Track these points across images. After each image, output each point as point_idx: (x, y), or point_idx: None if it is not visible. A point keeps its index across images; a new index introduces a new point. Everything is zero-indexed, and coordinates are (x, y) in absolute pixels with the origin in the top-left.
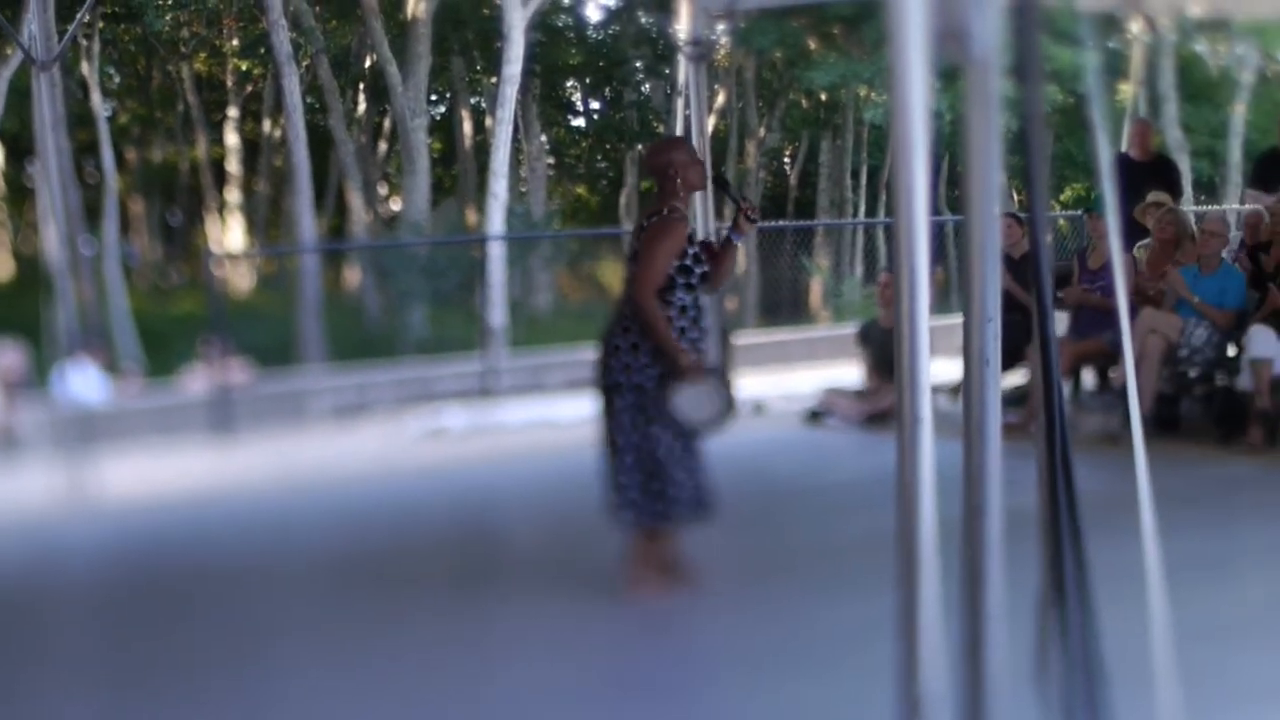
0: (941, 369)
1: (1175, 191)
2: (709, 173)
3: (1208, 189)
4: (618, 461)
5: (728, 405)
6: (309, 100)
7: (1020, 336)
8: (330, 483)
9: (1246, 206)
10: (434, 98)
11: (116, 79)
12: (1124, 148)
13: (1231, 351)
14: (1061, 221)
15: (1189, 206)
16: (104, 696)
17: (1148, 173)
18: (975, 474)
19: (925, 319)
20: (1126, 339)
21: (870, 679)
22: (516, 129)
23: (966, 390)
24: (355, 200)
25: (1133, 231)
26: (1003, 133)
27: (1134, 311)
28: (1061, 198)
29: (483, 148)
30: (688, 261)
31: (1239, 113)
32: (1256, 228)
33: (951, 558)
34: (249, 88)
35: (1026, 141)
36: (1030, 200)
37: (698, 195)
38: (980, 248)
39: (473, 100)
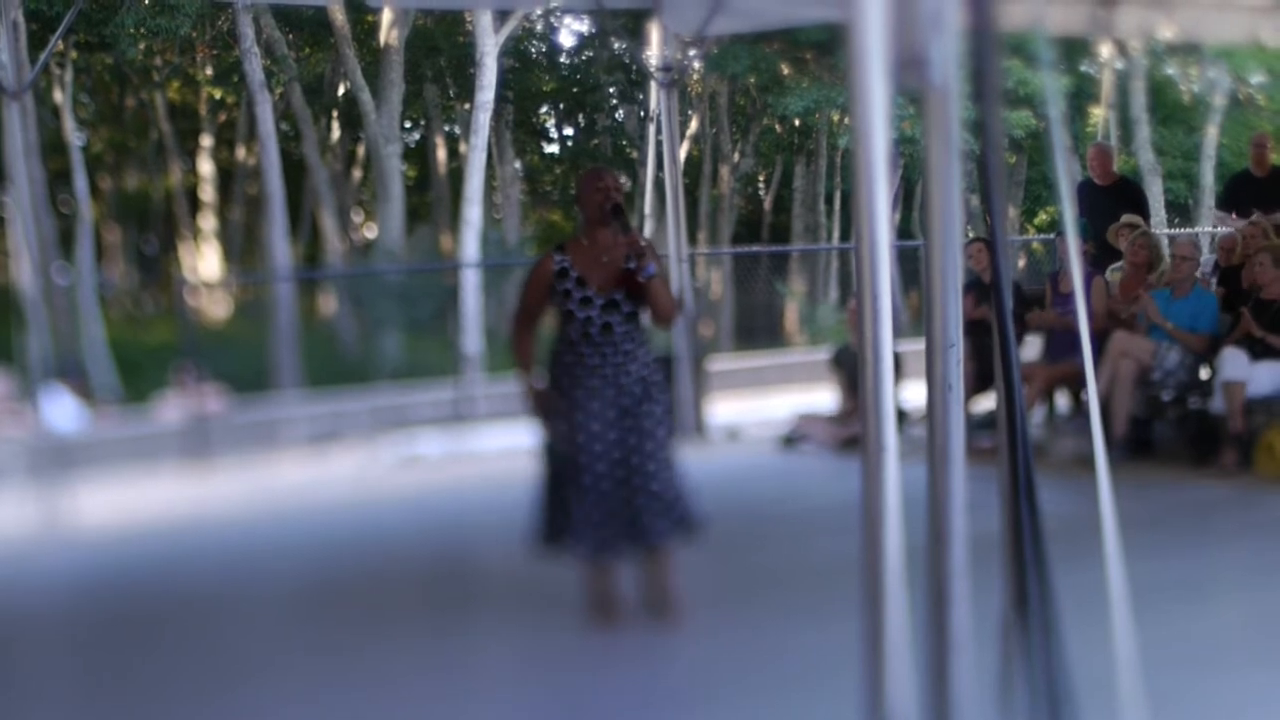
0: (919, 393)
1: (1141, 214)
2: (611, 202)
3: (1181, 211)
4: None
5: (562, 443)
6: (283, 128)
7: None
8: (305, 510)
9: (1219, 229)
10: (408, 125)
11: (90, 107)
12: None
13: (1204, 374)
14: (1035, 245)
15: (1161, 229)
16: None
17: (1111, 197)
18: (940, 499)
19: (889, 345)
20: (1089, 361)
21: (838, 703)
22: (490, 155)
23: (930, 415)
24: (329, 227)
25: (1105, 254)
26: (974, 157)
27: (1106, 335)
28: (1036, 221)
29: (457, 174)
30: (556, 299)
31: (1211, 136)
32: (1230, 250)
33: (919, 582)
34: (223, 116)
35: (985, 165)
36: (990, 224)
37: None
38: (941, 273)
39: (446, 127)
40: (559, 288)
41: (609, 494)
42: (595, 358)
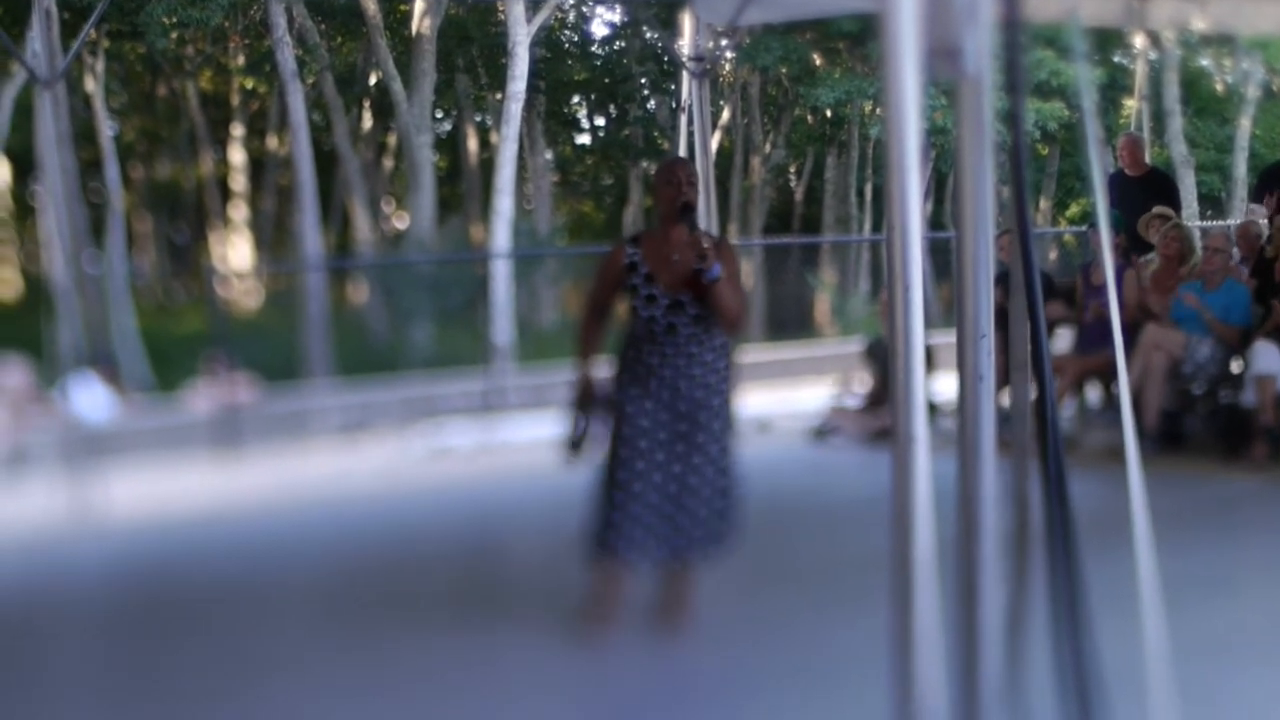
0: (951, 385)
1: (1172, 204)
2: (682, 198)
3: (1214, 204)
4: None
5: (586, 439)
6: (314, 117)
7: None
8: (335, 500)
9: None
10: (439, 114)
11: (122, 96)
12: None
13: (1236, 367)
14: (1067, 236)
15: (1194, 221)
16: (107, 716)
17: (1142, 187)
18: (970, 491)
19: (920, 337)
20: (1120, 353)
21: (867, 696)
22: (521, 145)
23: (961, 407)
24: (360, 217)
25: (1136, 246)
26: (1006, 148)
27: (1138, 327)
28: (1068, 213)
29: (488, 164)
30: (625, 293)
31: (1244, 128)
32: (1248, 237)
33: (949, 575)
34: (254, 105)
35: (1012, 156)
36: (1017, 215)
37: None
38: (973, 263)
39: (478, 117)
40: (628, 281)
41: (655, 505)
42: (655, 357)
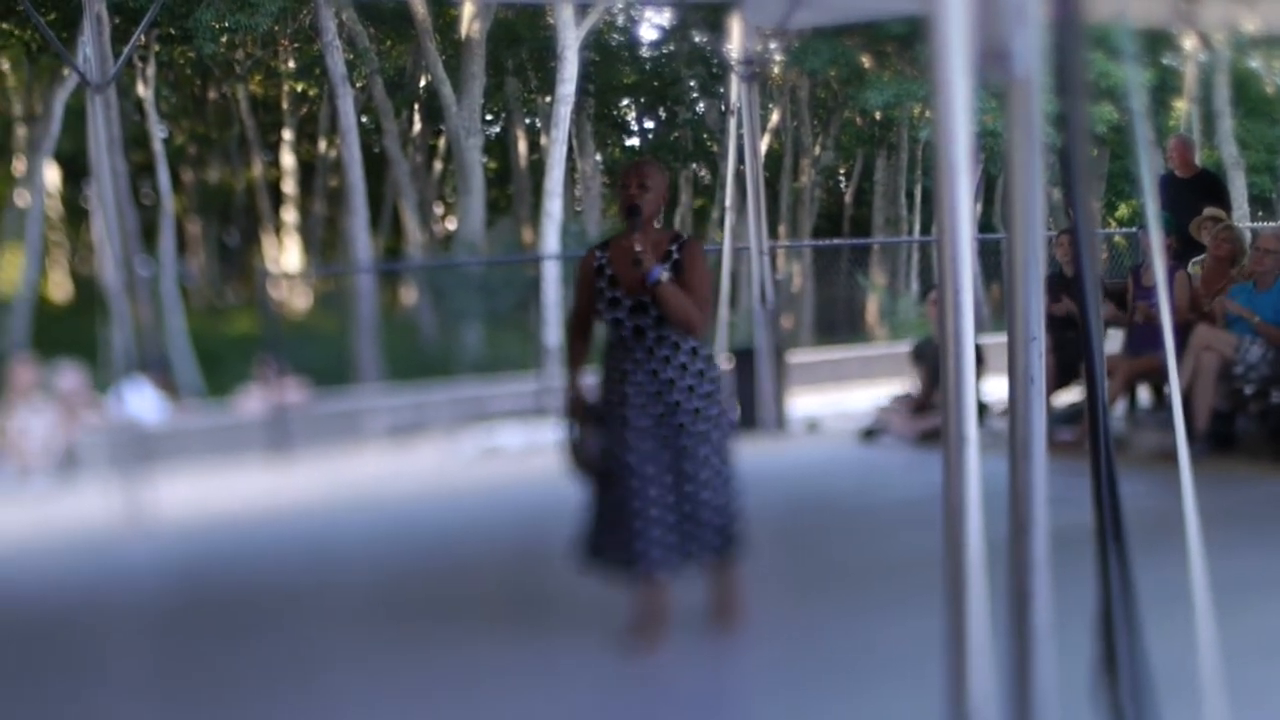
0: (1001, 386)
1: (1222, 205)
2: (628, 201)
3: (1265, 205)
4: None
5: (590, 457)
6: (364, 121)
7: (1079, 354)
8: (386, 502)
9: None
10: (489, 117)
11: (172, 101)
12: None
13: None
14: (1118, 238)
15: (1245, 223)
16: (158, 716)
17: (1192, 189)
18: (1021, 492)
19: (970, 338)
20: (1171, 355)
21: (920, 696)
22: (571, 148)
23: (1012, 409)
24: (410, 220)
25: (1188, 247)
26: (1056, 150)
27: (1189, 328)
28: (1117, 214)
29: (537, 167)
30: (594, 294)
31: None
32: None
33: (1000, 576)
34: (304, 109)
35: (1069, 158)
36: (1074, 217)
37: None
38: (1023, 266)
39: (527, 120)
40: (597, 285)
41: (658, 519)
42: (628, 363)
